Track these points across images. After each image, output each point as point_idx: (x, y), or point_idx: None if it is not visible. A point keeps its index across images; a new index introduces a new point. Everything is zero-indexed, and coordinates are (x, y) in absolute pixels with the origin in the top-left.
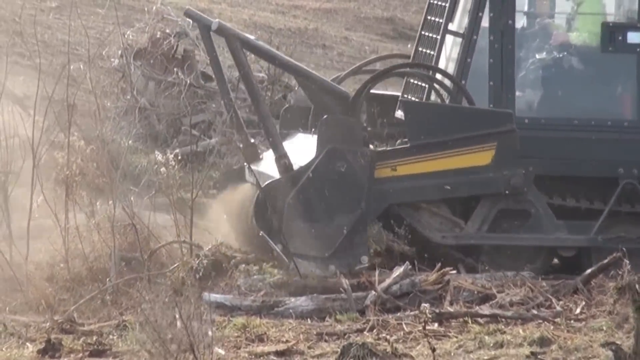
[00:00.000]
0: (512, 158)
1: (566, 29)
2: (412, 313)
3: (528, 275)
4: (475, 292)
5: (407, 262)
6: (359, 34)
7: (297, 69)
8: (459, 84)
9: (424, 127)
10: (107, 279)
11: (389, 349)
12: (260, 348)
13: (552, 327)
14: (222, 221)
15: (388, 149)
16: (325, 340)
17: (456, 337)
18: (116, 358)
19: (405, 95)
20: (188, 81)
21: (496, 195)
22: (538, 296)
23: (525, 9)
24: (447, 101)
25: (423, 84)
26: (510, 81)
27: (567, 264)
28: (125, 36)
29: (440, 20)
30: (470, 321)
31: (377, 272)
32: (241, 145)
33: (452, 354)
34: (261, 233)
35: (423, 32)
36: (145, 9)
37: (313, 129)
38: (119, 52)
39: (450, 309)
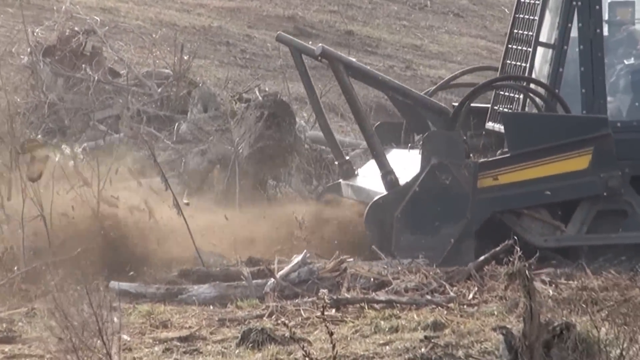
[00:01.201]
0: (608, 161)
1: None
2: (310, 299)
3: (423, 262)
4: (372, 279)
5: (305, 251)
6: (262, 31)
7: (395, 87)
8: (555, 93)
9: (523, 137)
10: (15, 267)
11: (287, 334)
12: (164, 334)
13: (445, 312)
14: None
15: (490, 159)
16: (227, 326)
17: (353, 323)
18: (25, 344)
19: (496, 107)
20: (96, 77)
21: (594, 198)
22: (432, 282)
23: (607, 17)
24: (543, 111)
25: (515, 95)
26: (601, 87)
27: None
28: (35, 34)
29: (528, 33)
30: (366, 307)
31: (276, 260)
32: (337, 163)
33: (349, 339)
34: (372, 247)
35: (510, 45)
36: (55, 7)
37: (410, 145)
38: (28, 49)
39: (347, 295)
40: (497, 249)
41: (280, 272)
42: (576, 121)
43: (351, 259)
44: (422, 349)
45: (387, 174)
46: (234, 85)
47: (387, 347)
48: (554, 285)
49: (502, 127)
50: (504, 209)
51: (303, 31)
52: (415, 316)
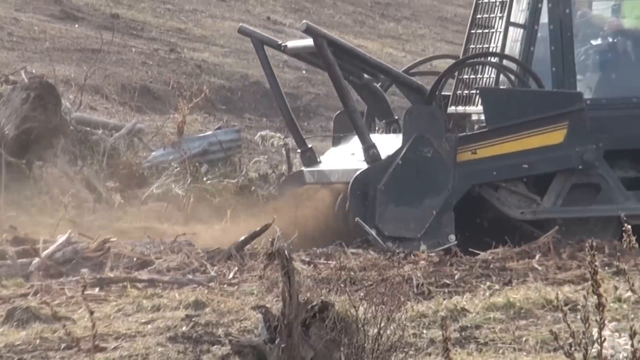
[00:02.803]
0: (583, 135)
1: (615, 16)
2: (74, 279)
3: (185, 242)
4: (135, 259)
5: (70, 230)
6: (29, 14)
7: (376, 64)
8: (529, 68)
9: (501, 111)
10: None
11: (50, 313)
12: None
13: (206, 291)
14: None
15: (469, 133)
16: None
17: (116, 302)
18: None
19: (459, 92)
20: None
21: (569, 171)
22: (194, 262)
23: None
24: (516, 86)
25: (479, 76)
26: (571, 66)
27: None
28: None
29: (492, 15)
30: (129, 286)
31: (41, 240)
32: (299, 151)
33: (112, 317)
34: (357, 219)
35: (472, 31)
36: None
37: (380, 130)
38: None
39: (111, 275)
40: (258, 229)
41: (45, 252)
42: (552, 96)
43: (115, 239)
44: (184, 327)
45: (369, 147)
46: (1, 67)
47: (149, 325)
48: (312, 265)
49: (465, 109)
50: (482, 182)
51: (69, 14)
52: (177, 295)
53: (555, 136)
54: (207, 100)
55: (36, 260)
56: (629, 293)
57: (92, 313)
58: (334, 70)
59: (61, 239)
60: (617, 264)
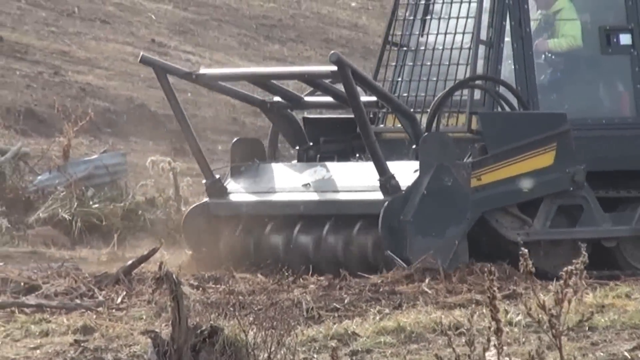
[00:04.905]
0: (571, 156)
1: (546, 36)
2: None
3: (72, 266)
4: (22, 284)
5: None
6: None
7: (381, 92)
8: (516, 91)
9: (500, 136)
10: None
11: None
12: None
13: (95, 316)
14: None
15: (476, 159)
16: None
17: (3, 327)
18: None
19: (383, 110)
20: None
21: (557, 193)
22: (81, 286)
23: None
24: (507, 109)
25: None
26: (533, 85)
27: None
28: None
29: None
30: (17, 311)
31: None
32: (205, 182)
33: (0, 343)
34: (387, 252)
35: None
36: None
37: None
38: None
39: None
40: (145, 253)
41: None
42: (540, 118)
43: (1, 263)
44: (72, 353)
45: (389, 179)
46: None
47: (38, 350)
48: (201, 289)
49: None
50: (491, 208)
51: None
52: (65, 320)
53: (545, 159)
54: (93, 123)
55: None
56: (520, 316)
57: None
58: (356, 100)
59: None
60: (514, 287)
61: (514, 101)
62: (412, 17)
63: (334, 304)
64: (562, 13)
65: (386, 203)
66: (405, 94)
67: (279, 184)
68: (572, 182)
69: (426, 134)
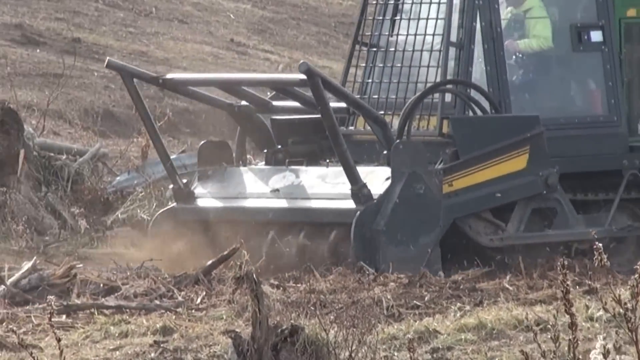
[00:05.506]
0: (544, 159)
1: (517, 36)
2: (40, 306)
3: (152, 267)
4: (102, 285)
5: (35, 257)
6: None
7: (352, 99)
8: (487, 94)
9: (472, 140)
10: None
11: (17, 341)
12: None
13: (174, 316)
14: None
15: (447, 165)
16: None
17: (83, 328)
18: None
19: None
20: None
21: (529, 196)
22: (161, 287)
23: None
24: (478, 112)
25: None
26: (505, 86)
27: None
28: None
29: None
30: (96, 312)
31: (6, 267)
32: (171, 187)
33: (79, 344)
34: (360, 263)
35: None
36: None
37: (258, 161)
38: None
39: (78, 301)
40: (225, 252)
41: (11, 279)
42: (513, 121)
43: (81, 265)
44: (152, 354)
45: (362, 187)
46: None
47: (117, 352)
48: (282, 289)
49: (345, 130)
50: (463, 215)
51: (31, 39)
52: (144, 321)
53: (518, 162)
54: (171, 123)
55: (1, 288)
56: (601, 312)
57: (59, 340)
58: (326, 108)
59: (26, 266)
60: (589, 282)
61: (486, 104)
62: (381, 17)
63: (415, 301)
64: (532, 11)
65: (358, 212)
66: (375, 96)
67: (247, 189)
68: (546, 185)
69: (398, 141)
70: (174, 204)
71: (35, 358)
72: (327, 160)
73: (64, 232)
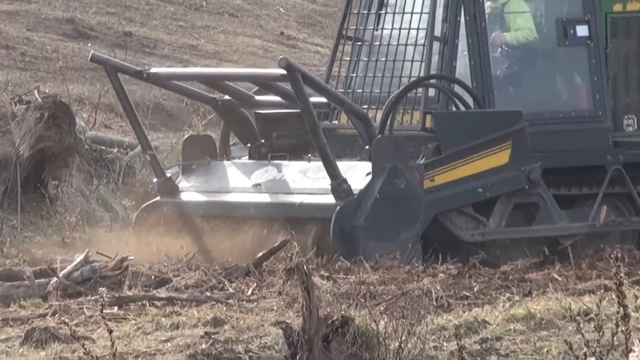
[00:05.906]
0: (526, 154)
1: (499, 29)
2: (92, 298)
3: (202, 259)
4: (153, 277)
5: (87, 249)
6: (41, 34)
7: (333, 95)
8: (471, 89)
9: (453, 135)
10: None
11: (69, 333)
12: None
13: (225, 308)
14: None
15: (432, 159)
16: (10, 326)
17: (135, 320)
18: None
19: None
20: None
21: (511, 191)
22: (211, 279)
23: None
24: (462, 107)
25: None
26: (489, 81)
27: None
28: None
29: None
30: (147, 304)
31: (59, 260)
32: (155, 180)
33: (131, 336)
34: (340, 258)
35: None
36: None
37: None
38: None
39: (129, 293)
40: (275, 245)
41: (63, 271)
42: (495, 116)
43: (132, 258)
44: (203, 345)
45: (342, 183)
46: (14, 87)
47: (169, 343)
48: (332, 280)
49: (326, 124)
50: (445, 210)
51: (82, 33)
52: (195, 313)
53: (500, 157)
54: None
55: (54, 280)
56: None
57: (111, 332)
58: (307, 106)
59: (78, 258)
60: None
61: (469, 99)
62: (366, 11)
63: (464, 292)
64: (509, 5)
65: (338, 208)
66: (359, 90)
67: (230, 184)
68: (528, 181)
69: (379, 136)
70: (158, 197)
71: (87, 349)
72: (310, 155)
73: (115, 224)
